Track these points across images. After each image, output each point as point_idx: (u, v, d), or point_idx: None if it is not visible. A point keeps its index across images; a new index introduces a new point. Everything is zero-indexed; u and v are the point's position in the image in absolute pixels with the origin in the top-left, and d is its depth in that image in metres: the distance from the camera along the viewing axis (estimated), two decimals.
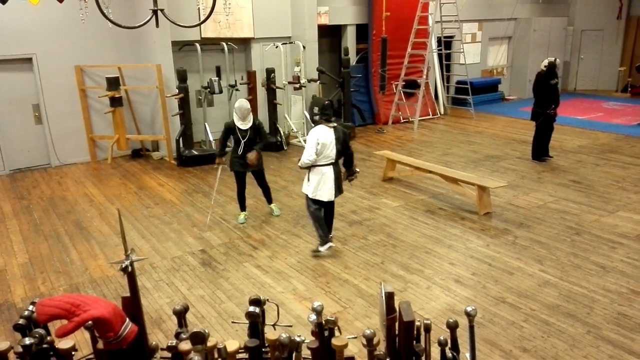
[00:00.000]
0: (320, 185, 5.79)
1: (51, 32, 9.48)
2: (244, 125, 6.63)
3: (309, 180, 5.85)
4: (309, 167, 5.78)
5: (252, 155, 6.74)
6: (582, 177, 8.64)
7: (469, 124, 13.08)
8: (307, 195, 5.92)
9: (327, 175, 5.76)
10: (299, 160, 5.80)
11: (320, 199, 5.83)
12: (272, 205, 7.37)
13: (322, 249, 5.96)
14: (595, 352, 4.16)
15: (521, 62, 16.53)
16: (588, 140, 11.12)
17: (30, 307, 2.15)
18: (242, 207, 7.16)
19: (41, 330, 2.06)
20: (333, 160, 5.76)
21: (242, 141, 6.70)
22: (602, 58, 17.28)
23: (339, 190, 5.92)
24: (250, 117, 6.71)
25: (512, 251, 6.01)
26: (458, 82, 14.89)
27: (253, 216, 7.25)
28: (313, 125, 5.94)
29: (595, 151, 10.22)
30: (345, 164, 6.03)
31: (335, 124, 5.78)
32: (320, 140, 5.62)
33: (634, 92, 16.33)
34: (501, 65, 16.82)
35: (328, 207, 6.11)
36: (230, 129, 6.72)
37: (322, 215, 5.99)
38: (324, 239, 5.96)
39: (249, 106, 6.69)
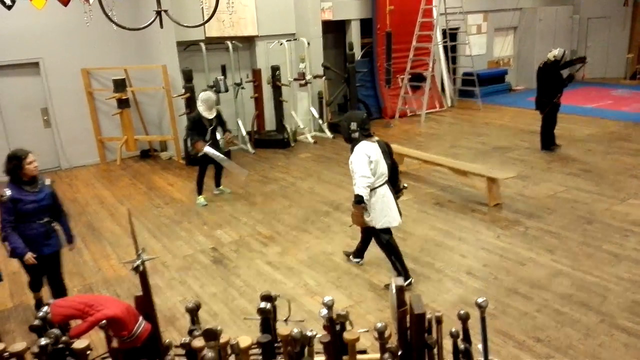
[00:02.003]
0: (386, 210, 4.94)
1: (57, 36, 9.55)
2: (210, 114, 7.44)
3: (368, 210, 4.94)
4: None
5: (228, 137, 7.75)
6: (592, 165, 8.57)
7: (476, 116, 13.02)
8: (374, 228, 5.04)
9: (387, 197, 4.95)
10: (355, 197, 4.82)
11: (391, 224, 5.02)
12: (222, 187, 8.18)
13: (406, 284, 4.95)
14: (609, 341, 4.14)
15: (527, 52, 16.40)
16: (597, 128, 11.02)
17: (45, 308, 2.18)
18: (201, 191, 7.78)
19: (56, 331, 2.08)
20: (387, 178, 4.97)
21: (209, 129, 7.47)
22: (610, 45, 17.09)
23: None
24: (215, 107, 7.59)
25: (523, 242, 5.99)
26: (464, 74, 14.82)
27: (262, 213, 7.28)
28: (349, 143, 5.02)
29: (605, 139, 10.13)
30: (391, 180, 5.13)
31: (377, 138, 5.03)
32: (372, 157, 4.82)
33: None
34: (507, 55, 16.72)
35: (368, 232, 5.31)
36: (197, 120, 7.40)
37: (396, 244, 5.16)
38: (406, 273, 5.08)
39: (215, 97, 7.63)
